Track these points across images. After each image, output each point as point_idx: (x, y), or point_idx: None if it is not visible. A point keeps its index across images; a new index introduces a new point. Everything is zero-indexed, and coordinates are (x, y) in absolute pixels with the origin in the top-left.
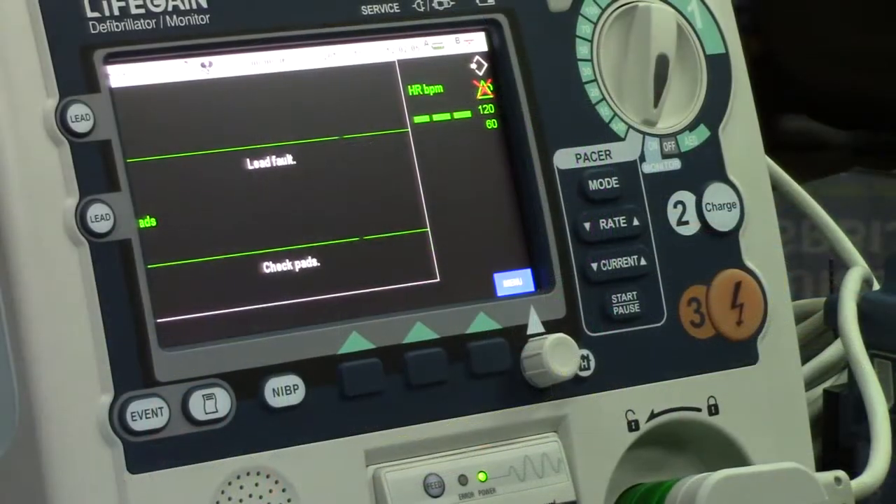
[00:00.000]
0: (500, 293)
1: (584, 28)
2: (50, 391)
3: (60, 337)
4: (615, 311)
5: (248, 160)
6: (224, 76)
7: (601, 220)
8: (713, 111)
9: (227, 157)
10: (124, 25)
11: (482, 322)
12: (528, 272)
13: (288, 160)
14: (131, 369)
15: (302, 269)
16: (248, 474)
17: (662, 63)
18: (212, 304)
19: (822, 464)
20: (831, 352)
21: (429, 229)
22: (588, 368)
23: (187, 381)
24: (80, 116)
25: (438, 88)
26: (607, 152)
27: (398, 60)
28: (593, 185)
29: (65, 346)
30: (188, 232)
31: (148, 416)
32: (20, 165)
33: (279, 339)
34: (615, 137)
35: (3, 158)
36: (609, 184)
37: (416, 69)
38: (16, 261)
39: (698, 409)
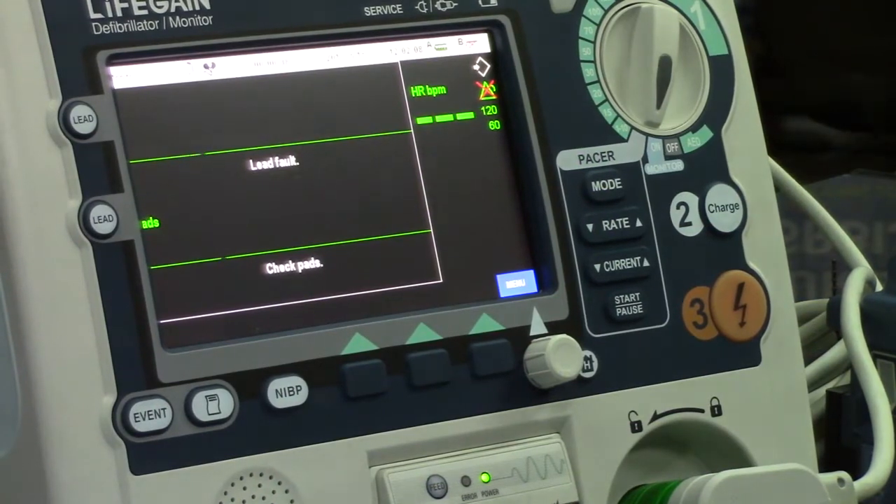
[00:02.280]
0: (502, 294)
1: (586, 29)
2: (53, 392)
3: (63, 338)
4: (618, 313)
5: (250, 161)
6: (227, 77)
7: (604, 222)
8: (716, 112)
9: (230, 158)
10: (127, 27)
11: (485, 323)
12: (530, 273)
13: (291, 161)
14: (134, 370)
15: (305, 271)
16: (250, 475)
17: (665, 64)
18: (215, 305)
19: (825, 465)
20: (834, 353)
21: (431, 230)
22: (591, 369)
23: (190, 382)
24: (83, 118)
25: (441, 90)
26: (610, 153)
27: (401, 62)
28: (596, 186)
29: (67, 347)
30: (191, 233)
31: (151, 417)
32: (23, 167)
33: (282, 340)
34: (618, 139)
35: (6, 160)
36: (612, 185)
37: (419, 70)
38: (19, 262)
39: (701, 410)
